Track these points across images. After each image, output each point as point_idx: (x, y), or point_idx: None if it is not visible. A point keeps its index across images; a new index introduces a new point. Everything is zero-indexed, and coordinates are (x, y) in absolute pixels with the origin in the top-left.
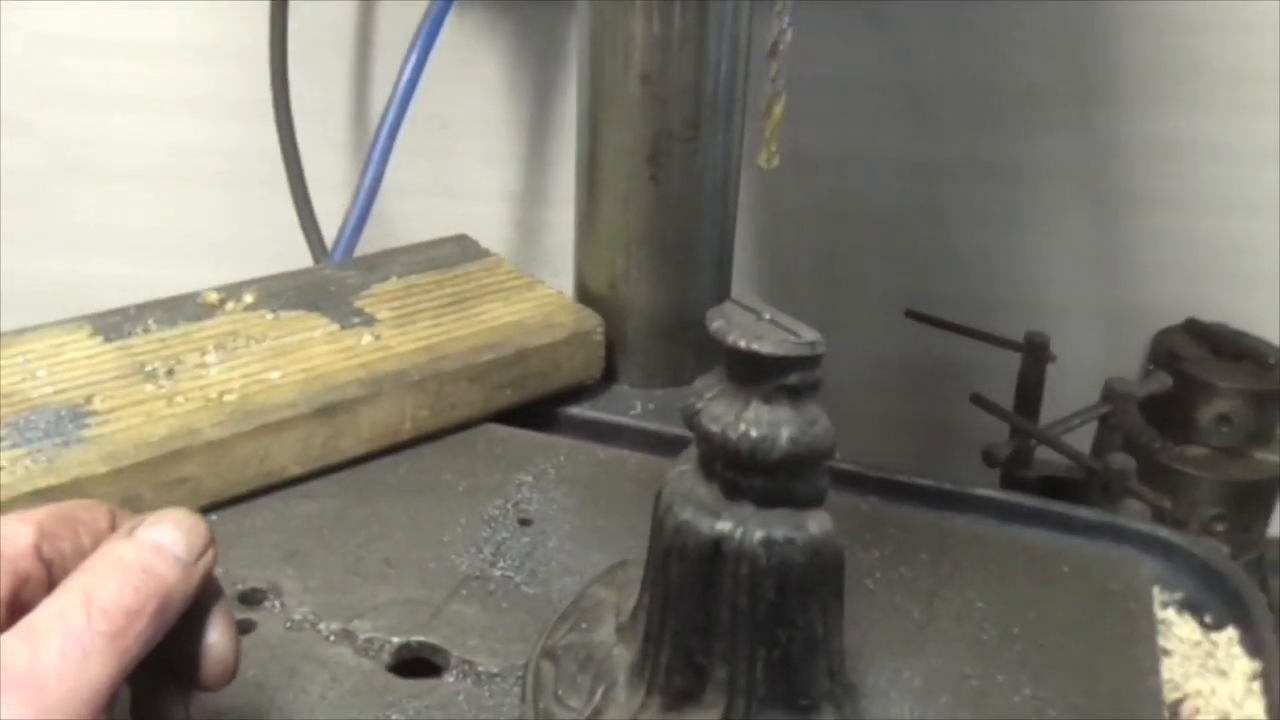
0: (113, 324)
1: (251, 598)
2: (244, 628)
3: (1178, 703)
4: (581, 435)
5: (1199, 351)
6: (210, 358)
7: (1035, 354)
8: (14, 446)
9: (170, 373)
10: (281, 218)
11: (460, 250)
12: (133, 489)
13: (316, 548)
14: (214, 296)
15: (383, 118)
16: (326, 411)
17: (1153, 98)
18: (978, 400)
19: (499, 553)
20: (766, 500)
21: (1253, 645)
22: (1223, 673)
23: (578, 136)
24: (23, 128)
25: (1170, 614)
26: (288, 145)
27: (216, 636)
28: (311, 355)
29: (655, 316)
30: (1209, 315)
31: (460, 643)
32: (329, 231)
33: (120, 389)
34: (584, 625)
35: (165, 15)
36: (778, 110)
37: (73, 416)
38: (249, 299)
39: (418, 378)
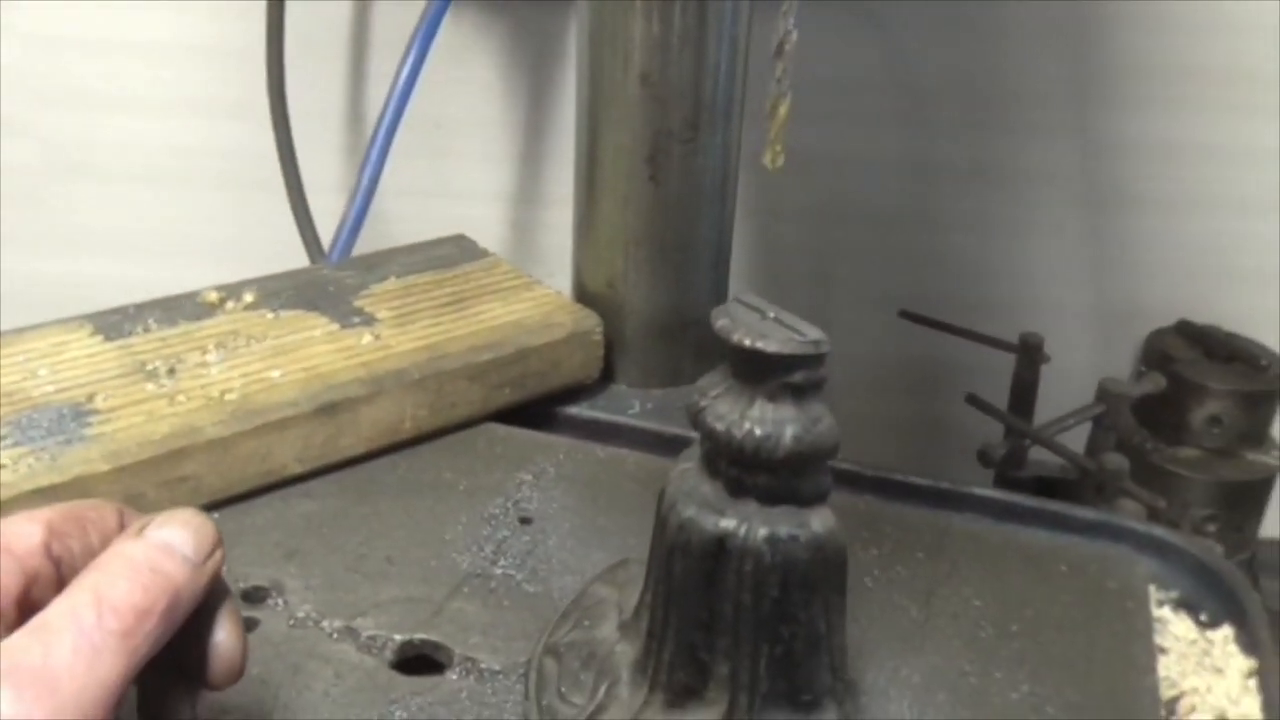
0: (113, 323)
1: (254, 595)
2: (247, 625)
3: (1174, 700)
4: (580, 435)
5: (1191, 353)
6: (211, 357)
7: (1029, 354)
8: (16, 445)
9: (171, 371)
10: (278, 219)
11: (459, 250)
12: (135, 487)
13: (318, 546)
14: (214, 296)
15: (380, 118)
16: (327, 410)
17: (1146, 99)
18: (973, 400)
19: (500, 551)
20: (770, 498)
21: (1248, 643)
22: (1219, 670)
23: (577, 136)
24: (20, 128)
25: (1166, 612)
26: (284, 146)
27: (224, 635)
28: (312, 354)
29: (654, 316)
30: (1201, 317)
31: (462, 640)
32: (326, 232)
33: (122, 388)
34: (586, 623)
35: (162, 16)
36: (783, 110)
37: (75, 415)
38: (249, 298)
39: (418, 377)
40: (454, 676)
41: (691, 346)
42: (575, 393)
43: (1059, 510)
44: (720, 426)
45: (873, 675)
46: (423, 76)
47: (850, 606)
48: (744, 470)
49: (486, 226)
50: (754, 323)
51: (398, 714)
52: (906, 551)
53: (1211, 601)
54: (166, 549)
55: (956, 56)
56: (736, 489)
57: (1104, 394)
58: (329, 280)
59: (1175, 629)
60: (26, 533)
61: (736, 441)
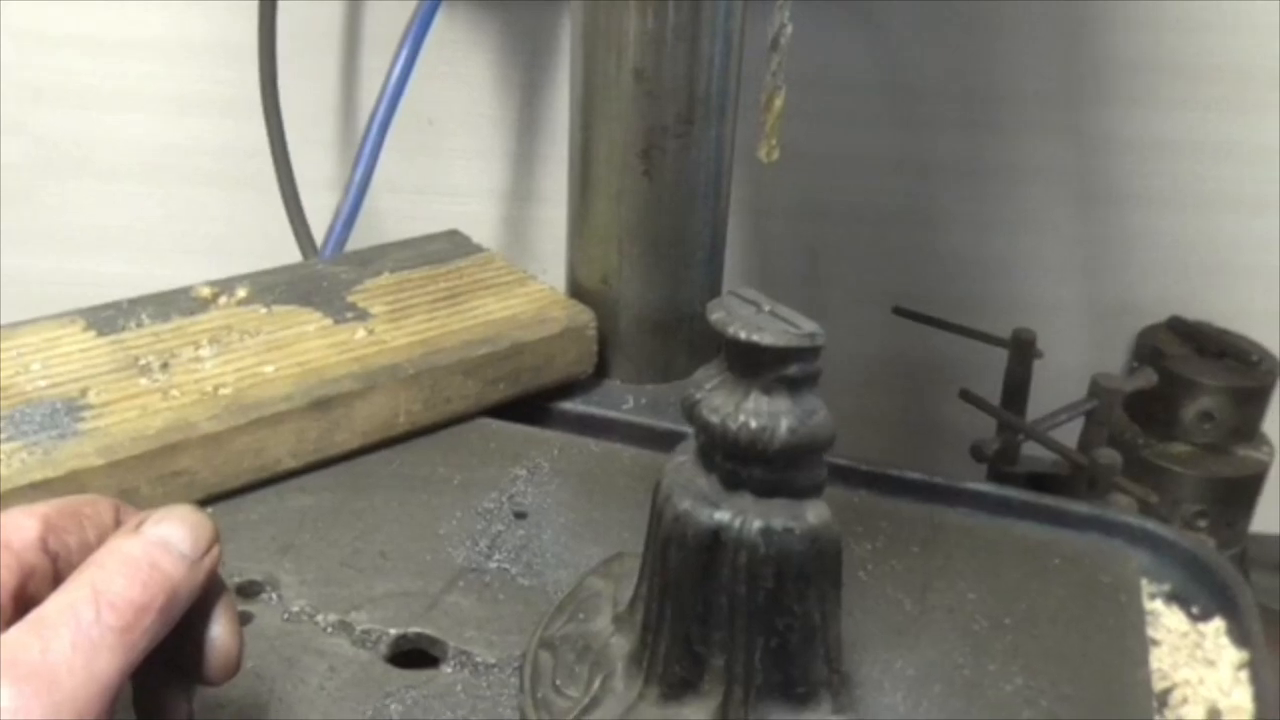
0: (106, 318)
1: (249, 590)
2: (242, 619)
3: (1166, 692)
4: (574, 430)
5: (1183, 349)
6: (204, 351)
7: (1022, 350)
8: (10, 439)
9: (165, 366)
10: (271, 215)
11: (452, 245)
12: (129, 482)
13: (312, 540)
14: (207, 291)
15: (372, 114)
16: (321, 405)
17: (1137, 97)
18: (966, 396)
19: (494, 545)
20: (765, 490)
21: (1239, 635)
22: (1210, 662)
23: (570, 131)
24: (13, 125)
25: (1158, 605)
26: (277, 142)
27: (220, 631)
28: (305, 349)
29: (647, 312)
30: (1193, 313)
31: (457, 634)
32: (319, 229)
33: (115, 382)
34: (581, 616)
35: (155, 13)
36: (778, 104)
37: (68, 410)
38: (242, 293)
39: (412, 372)
40: (449, 670)
41: (685, 342)
42: (569, 388)
43: (1052, 505)
44: (715, 419)
45: (867, 668)
46: (415, 73)
47: (845, 600)
48: (739, 463)
49: (480, 223)
50: (749, 316)
51: (392, 707)
52: (900, 545)
53: (1203, 594)
54: (164, 545)
55: (950, 53)
56: (731, 482)
57: (1096, 389)
58: (322, 275)
59: (1167, 622)
60: (23, 527)
61: (731, 434)
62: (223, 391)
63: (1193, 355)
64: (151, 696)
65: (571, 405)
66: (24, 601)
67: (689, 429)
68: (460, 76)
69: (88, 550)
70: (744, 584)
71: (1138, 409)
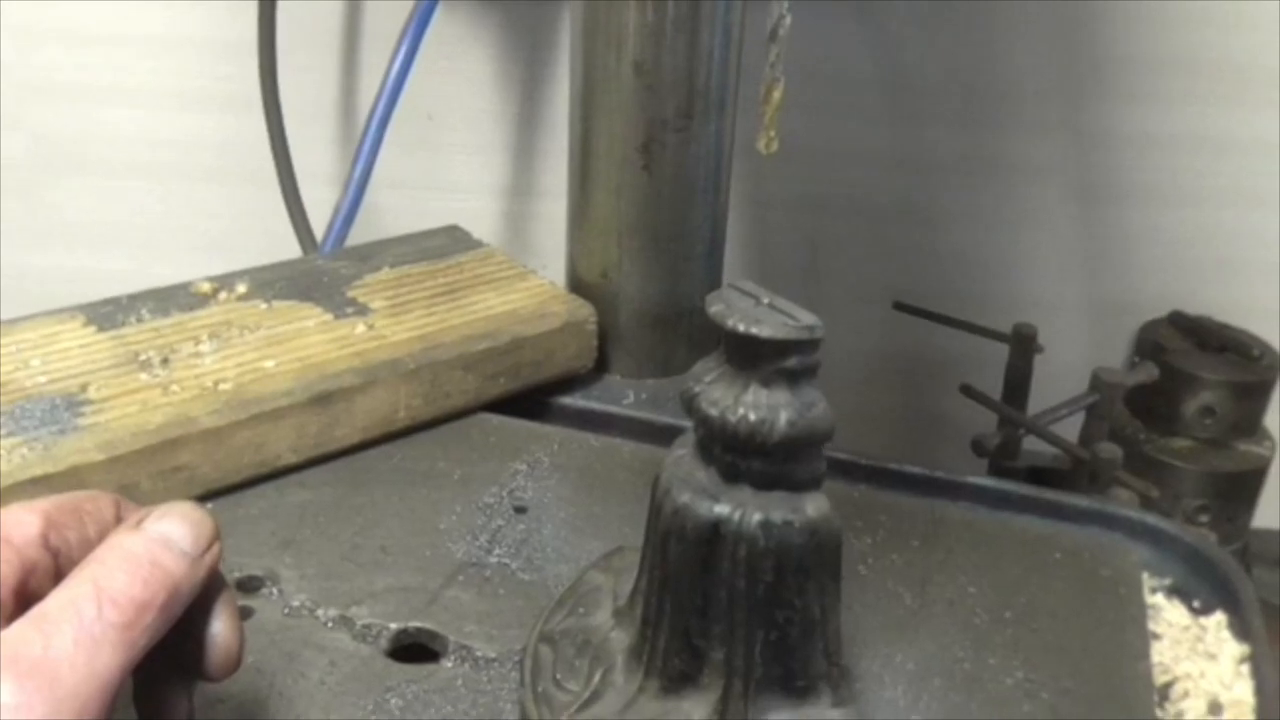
0: (106, 314)
1: (249, 585)
2: (242, 614)
3: (1167, 685)
4: (574, 424)
5: (1184, 344)
6: (204, 347)
7: (1023, 345)
8: (10, 435)
9: (165, 362)
10: (271, 211)
11: (452, 241)
12: (129, 477)
13: (313, 535)
14: (207, 286)
15: (372, 110)
16: (321, 400)
17: (1138, 92)
18: (967, 391)
19: (495, 540)
20: (764, 483)
21: (1241, 629)
22: (1212, 656)
23: (570, 126)
24: (12, 121)
25: (1159, 599)
26: (277, 138)
27: (221, 627)
28: (305, 344)
29: (647, 306)
30: (1194, 308)
31: (457, 628)
32: (319, 225)
33: (115, 378)
34: (581, 610)
35: (155, 9)
36: (777, 95)
37: (68, 405)
38: (242, 289)
39: (412, 366)
40: (449, 664)
41: (685, 336)
42: (569, 383)
43: (1053, 498)
44: (714, 412)
45: (867, 662)
46: (415, 68)
47: (845, 594)
48: (738, 456)
49: (480, 218)
50: (748, 308)
51: (393, 702)
52: (901, 539)
53: (1204, 588)
54: (165, 543)
55: (950, 49)
56: (731, 474)
57: (1097, 384)
58: (323, 271)
59: (1168, 615)
60: (25, 523)
61: (731, 427)
62: (223, 387)
63: (1194, 350)
64: (152, 692)
65: (571, 400)
66: (25, 597)
67: (689, 423)
68: (460, 71)
69: (89, 546)
70: (743, 577)
71: (1139, 404)
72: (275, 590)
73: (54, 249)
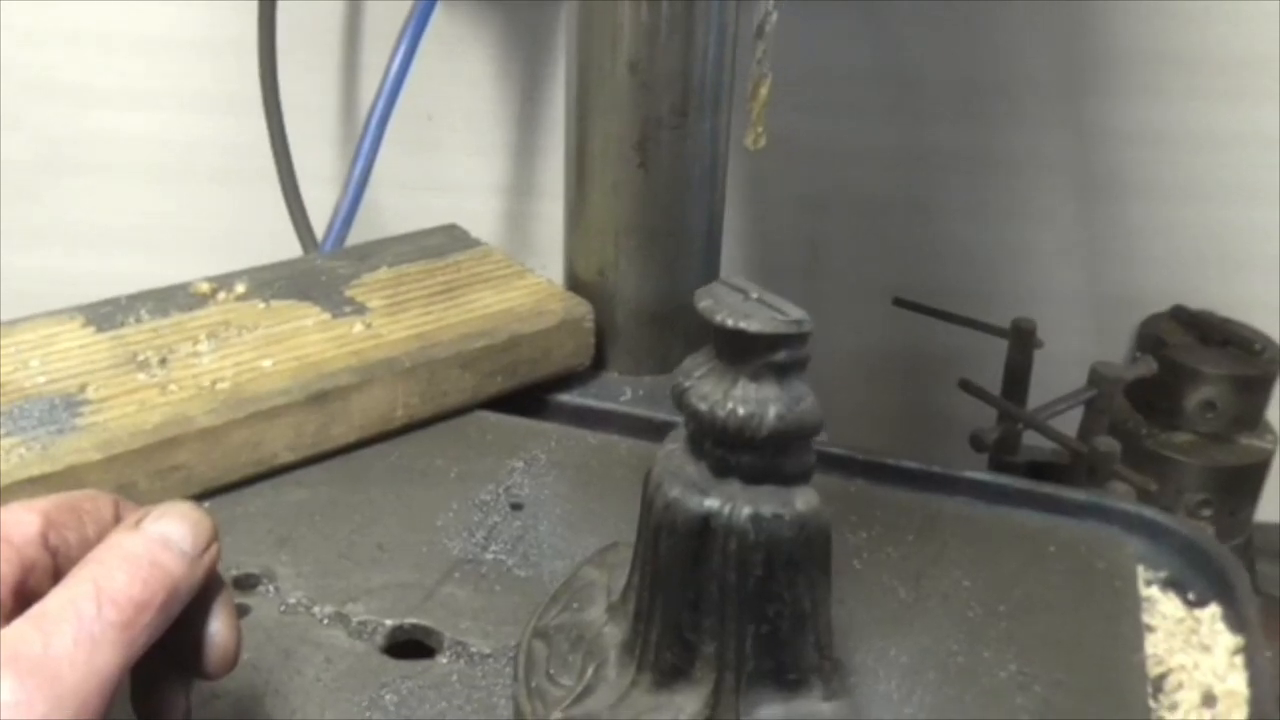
0: (105, 314)
1: (246, 583)
2: (239, 611)
3: (1162, 677)
4: (571, 422)
5: (1185, 338)
6: (202, 346)
7: (1022, 340)
8: (9, 435)
9: (163, 361)
10: (271, 211)
11: (450, 239)
12: (127, 476)
13: (309, 533)
14: (205, 286)
15: (371, 110)
16: (318, 399)
17: (1138, 87)
18: (966, 385)
19: (491, 537)
20: (754, 477)
21: (1235, 621)
22: (1206, 648)
23: (566, 125)
24: (11, 122)
25: (1154, 591)
26: (277, 138)
27: (218, 626)
28: (303, 343)
29: (644, 304)
30: (1196, 303)
31: (453, 624)
32: (319, 224)
33: (113, 378)
34: (575, 605)
35: (155, 10)
36: (764, 91)
37: (67, 405)
38: (240, 289)
39: (409, 365)
40: (444, 660)
41: (682, 333)
42: (566, 380)
43: (1048, 492)
44: (704, 406)
45: (861, 655)
46: (414, 68)
47: (839, 588)
48: (728, 450)
49: (478, 218)
50: (737, 303)
51: (388, 698)
52: (896, 534)
53: (1199, 581)
54: (164, 542)
55: (950, 44)
56: (721, 469)
57: (1096, 378)
58: (321, 270)
59: (1163, 607)
60: (24, 522)
61: (720, 421)
62: (220, 386)
63: (1196, 344)
64: (150, 690)
65: (569, 397)
66: (24, 596)
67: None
68: (459, 72)
69: (87, 546)
70: (734, 571)
71: (1141, 398)
72: (272, 588)
73: (55, 249)
